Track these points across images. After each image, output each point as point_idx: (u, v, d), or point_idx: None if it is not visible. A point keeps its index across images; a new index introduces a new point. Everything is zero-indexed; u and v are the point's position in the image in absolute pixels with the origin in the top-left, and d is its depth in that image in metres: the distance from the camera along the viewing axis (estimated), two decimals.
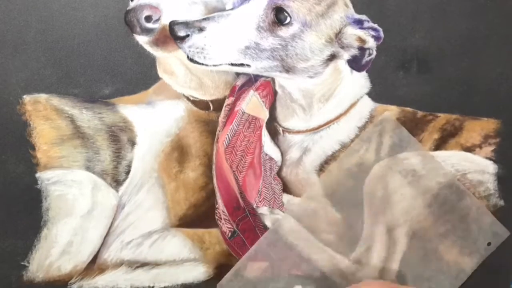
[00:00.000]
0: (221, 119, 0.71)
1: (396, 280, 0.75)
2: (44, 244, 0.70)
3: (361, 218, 0.75)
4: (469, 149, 0.75)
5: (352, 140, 0.74)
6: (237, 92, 0.71)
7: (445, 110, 0.74)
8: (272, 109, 0.73)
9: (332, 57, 0.70)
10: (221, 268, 0.74)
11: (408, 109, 0.74)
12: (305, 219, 0.73)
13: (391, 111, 0.74)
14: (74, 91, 0.68)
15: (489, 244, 0.77)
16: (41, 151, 0.69)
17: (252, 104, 0.71)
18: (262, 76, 0.71)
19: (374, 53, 0.71)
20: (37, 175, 0.69)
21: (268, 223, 0.74)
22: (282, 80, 0.71)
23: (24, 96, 0.67)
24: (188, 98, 0.71)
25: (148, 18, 0.66)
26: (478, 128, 0.75)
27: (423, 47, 0.72)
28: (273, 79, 0.72)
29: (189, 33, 0.65)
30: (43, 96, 0.68)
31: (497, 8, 0.73)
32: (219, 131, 0.71)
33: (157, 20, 0.67)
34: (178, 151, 0.71)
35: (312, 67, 0.70)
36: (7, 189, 0.69)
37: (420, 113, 0.74)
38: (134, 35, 0.67)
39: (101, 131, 0.69)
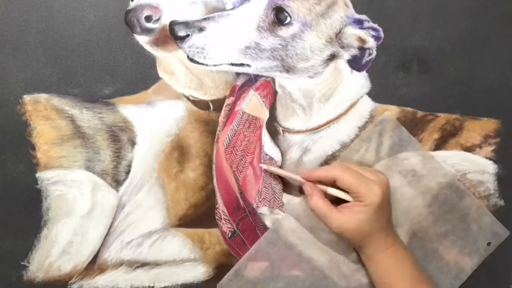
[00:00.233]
0: (221, 119, 0.71)
1: None
2: (44, 244, 0.70)
3: None
4: (469, 149, 0.75)
5: (352, 140, 0.74)
6: (237, 92, 0.71)
7: (445, 110, 0.74)
8: (272, 109, 0.73)
9: (332, 57, 0.70)
10: (221, 268, 0.74)
11: (408, 109, 0.74)
12: (305, 219, 0.73)
13: (391, 111, 0.74)
14: (74, 91, 0.68)
15: (489, 244, 0.77)
16: (41, 151, 0.68)
17: (252, 104, 0.71)
18: (262, 76, 0.71)
19: (374, 53, 0.71)
20: (37, 175, 0.69)
21: (268, 223, 0.74)
22: (282, 80, 0.71)
23: (24, 96, 0.67)
24: (188, 98, 0.71)
25: (148, 18, 0.66)
26: (478, 128, 0.75)
27: (423, 47, 0.72)
28: (273, 79, 0.72)
29: (189, 33, 0.65)
30: (43, 96, 0.68)
31: (497, 8, 0.73)
32: (219, 131, 0.71)
33: (157, 20, 0.67)
34: (178, 151, 0.71)
35: (312, 67, 0.70)
36: (7, 189, 0.69)
37: (420, 113, 0.74)
38: (134, 35, 0.67)
39: (101, 131, 0.69)
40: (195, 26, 0.66)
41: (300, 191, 0.73)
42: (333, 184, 0.68)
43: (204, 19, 0.66)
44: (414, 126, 0.74)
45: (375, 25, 0.70)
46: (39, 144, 0.68)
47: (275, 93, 0.73)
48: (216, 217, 0.73)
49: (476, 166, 0.76)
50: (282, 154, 0.74)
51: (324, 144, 0.74)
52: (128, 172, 0.71)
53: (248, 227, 0.73)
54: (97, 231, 0.71)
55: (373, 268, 0.69)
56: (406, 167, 0.74)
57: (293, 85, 0.71)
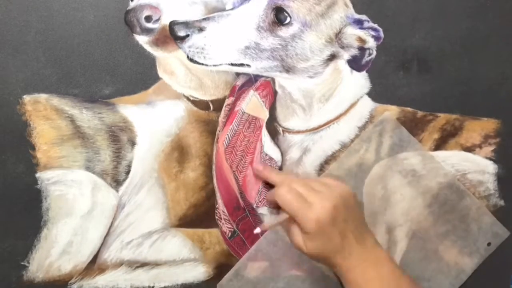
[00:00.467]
0: (221, 119, 0.71)
1: None
2: (44, 244, 0.70)
3: None
4: (469, 149, 0.75)
5: (352, 140, 0.74)
6: (237, 92, 0.71)
7: (445, 110, 0.74)
8: (272, 109, 0.73)
9: (332, 57, 0.70)
10: (221, 268, 0.74)
11: (408, 109, 0.74)
12: None
13: (391, 111, 0.74)
14: (74, 91, 0.68)
15: (489, 244, 0.77)
16: (41, 151, 0.68)
17: (252, 104, 0.71)
18: (262, 76, 0.71)
19: (374, 53, 0.71)
20: (37, 175, 0.69)
21: None
22: (282, 80, 0.71)
23: (24, 96, 0.67)
24: (188, 98, 0.71)
25: (148, 18, 0.66)
26: (478, 128, 0.75)
27: (423, 47, 0.72)
28: (273, 79, 0.72)
29: (189, 33, 0.65)
30: (43, 96, 0.68)
31: (497, 8, 0.73)
32: (219, 131, 0.71)
33: (157, 20, 0.67)
34: (178, 151, 0.71)
35: (312, 67, 0.70)
36: (7, 189, 0.69)
37: (420, 113, 0.74)
38: (134, 35, 0.67)
39: (101, 131, 0.69)
40: (195, 26, 0.66)
41: None
42: None
43: (204, 19, 0.66)
44: (414, 126, 0.74)
45: (375, 25, 0.70)
46: (39, 144, 0.68)
47: (275, 93, 0.73)
48: (216, 217, 0.73)
49: (476, 166, 0.76)
50: (282, 154, 0.74)
51: (324, 144, 0.74)
52: (128, 172, 0.71)
53: (248, 227, 0.73)
54: (97, 231, 0.71)
55: (345, 285, 0.64)
56: (406, 167, 0.74)
57: (293, 85, 0.71)
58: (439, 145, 0.75)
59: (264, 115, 0.72)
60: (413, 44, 0.72)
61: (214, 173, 0.72)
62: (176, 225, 0.73)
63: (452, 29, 0.73)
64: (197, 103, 0.71)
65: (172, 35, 0.66)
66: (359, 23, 0.69)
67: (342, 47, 0.70)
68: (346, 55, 0.70)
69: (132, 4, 0.67)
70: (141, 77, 0.69)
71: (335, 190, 0.63)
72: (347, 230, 0.62)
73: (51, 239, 0.70)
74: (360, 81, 0.73)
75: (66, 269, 0.71)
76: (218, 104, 0.72)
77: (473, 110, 0.75)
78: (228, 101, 0.71)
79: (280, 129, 0.74)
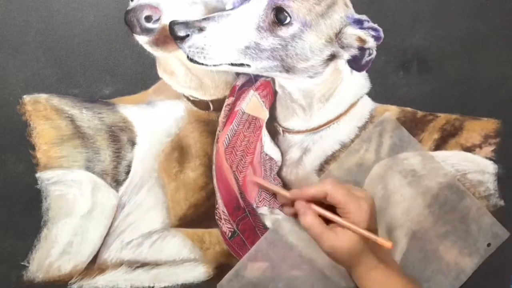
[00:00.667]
0: (221, 119, 0.71)
1: None
2: (44, 244, 0.70)
3: None
4: (469, 149, 0.75)
5: (352, 140, 0.74)
6: (237, 92, 0.71)
7: (445, 110, 0.74)
8: (272, 109, 0.73)
9: (332, 57, 0.70)
10: (221, 268, 0.74)
11: (408, 109, 0.74)
12: None
13: (391, 111, 0.74)
14: (74, 91, 0.68)
15: (489, 245, 0.77)
16: (41, 151, 0.68)
17: (252, 104, 0.71)
18: (262, 76, 0.71)
19: (374, 53, 0.71)
20: (37, 175, 0.69)
21: (268, 223, 0.74)
22: (282, 80, 0.71)
23: (24, 96, 0.67)
24: (188, 98, 0.71)
25: (148, 18, 0.66)
26: (478, 128, 0.75)
27: (423, 47, 0.72)
28: (273, 79, 0.72)
29: (189, 33, 0.65)
30: (43, 96, 0.68)
31: (497, 8, 0.73)
32: (219, 131, 0.71)
33: (157, 20, 0.67)
34: (178, 151, 0.71)
35: (312, 67, 0.70)
36: (7, 189, 0.69)
37: (420, 113, 0.74)
38: (134, 35, 0.67)
39: (101, 131, 0.69)
40: (195, 26, 0.66)
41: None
42: (321, 203, 0.67)
43: (204, 19, 0.66)
44: (414, 126, 0.74)
45: (375, 25, 0.70)
46: (39, 144, 0.68)
47: (275, 93, 0.73)
48: (216, 217, 0.73)
49: (476, 166, 0.76)
50: (282, 154, 0.74)
51: (324, 144, 0.74)
52: (128, 172, 0.71)
53: (248, 227, 0.73)
54: (97, 231, 0.71)
55: (364, 287, 0.67)
56: (406, 167, 0.74)
57: (293, 85, 0.71)
58: (439, 145, 0.75)
59: (264, 115, 0.72)
60: (413, 44, 0.72)
61: (214, 173, 0.72)
62: (176, 225, 0.73)
63: (452, 29, 0.73)
64: (197, 103, 0.71)
65: (172, 35, 0.66)
66: (359, 23, 0.69)
67: (342, 47, 0.70)
68: (346, 55, 0.70)
69: (132, 4, 0.67)
70: (141, 77, 0.69)
71: (370, 194, 0.67)
72: (376, 231, 0.67)
73: (51, 239, 0.70)
74: (360, 81, 0.73)
75: (66, 269, 0.71)
76: (218, 104, 0.72)
77: (473, 110, 0.75)
78: (228, 101, 0.71)
79: (280, 129, 0.74)
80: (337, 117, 0.73)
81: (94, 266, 0.71)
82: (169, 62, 0.69)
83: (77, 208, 0.70)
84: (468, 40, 0.73)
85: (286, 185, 0.74)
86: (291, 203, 0.69)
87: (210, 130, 0.72)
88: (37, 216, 0.69)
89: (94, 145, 0.69)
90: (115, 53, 0.68)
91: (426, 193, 0.75)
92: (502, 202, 0.77)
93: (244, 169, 0.72)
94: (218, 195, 0.72)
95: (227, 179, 0.72)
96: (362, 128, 0.74)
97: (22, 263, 0.70)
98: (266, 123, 0.72)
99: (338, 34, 0.69)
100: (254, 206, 0.73)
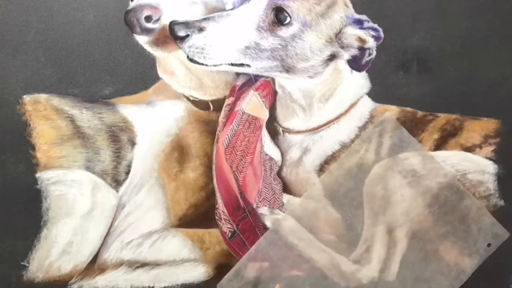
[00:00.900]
0: (221, 119, 0.71)
1: (396, 280, 0.75)
2: (44, 244, 0.70)
3: (361, 218, 0.74)
4: (469, 149, 0.75)
5: (352, 140, 0.74)
6: (237, 92, 0.71)
7: (445, 110, 0.74)
8: (272, 109, 0.73)
9: (332, 57, 0.70)
10: (221, 268, 0.74)
11: (408, 109, 0.74)
12: (305, 219, 0.73)
13: (391, 111, 0.74)
14: (74, 91, 0.68)
15: (489, 245, 0.77)
16: (41, 151, 0.69)
17: (252, 104, 0.71)
18: (262, 76, 0.71)
19: (374, 53, 0.71)
20: (37, 175, 0.69)
21: (268, 223, 0.74)
22: (282, 80, 0.71)
23: (24, 96, 0.67)
24: (188, 98, 0.71)
25: (148, 18, 0.66)
26: (478, 128, 0.75)
27: (423, 47, 0.73)
28: (273, 79, 0.72)
29: (189, 33, 0.65)
30: (43, 96, 0.68)
31: (497, 8, 0.73)
32: (219, 131, 0.71)
33: (157, 20, 0.67)
34: (178, 151, 0.71)
35: (312, 67, 0.70)
36: (7, 189, 0.69)
37: (420, 113, 0.74)
38: (134, 35, 0.67)
39: (101, 131, 0.69)
40: (195, 26, 0.66)
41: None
42: None
43: (204, 19, 0.66)
44: (414, 126, 0.74)
45: (375, 25, 0.70)
46: (39, 144, 0.68)
47: (275, 93, 0.73)
48: (216, 217, 0.73)
49: (476, 166, 0.76)
50: (282, 154, 0.74)
51: (324, 144, 0.74)
52: (128, 172, 0.71)
53: (248, 227, 0.73)
54: (97, 231, 0.71)
55: None
56: (406, 167, 0.74)
57: (293, 85, 0.71)
58: (439, 145, 0.75)
59: (264, 115, 0.72)
60: (413, 44, 0.72)
61: (214, 173, 0.72)
62: (176, 225, 0.73)
63: (452, 29, 0.73)
64: (197, 103, 0.71)
65: (172, 35, 0.66)
66: (359, 23, 0.69)
67: (342, 47, 0.70)
68: (346, 55, 0.70)
69: (132, 4, 0.67)
70: (141, 77, 0.69)
71: None
72: None
73: (51, 239, 0.70)
74: (360, 81, 0.73)
75: (66, 269, 0.71)
76: (218, 104, 0.72)
77: (473, 110, 0.75)
78: (228, 101, 0.71)
79: (280, 129, 0.74)
80: (337, 117, 0.73)
81: (94, 266, 0.71)
82: (169, 62, 0.69)
83: (77, 208, 0.70)
84: (468, 40, 0.73)
85: (286, 185, 0.74)
86: None
87: (210, 130, 0.72)
88: (37, 216, 0.69)
89: (94, 145, 0.69)
90: (115, 53, 0.68)
91: (426, 193, 0.75)
92: (502, 202, 0.77)
93: (244, 169, 0.72)
94: (218, 195, 0.72)
95: (227, 179, 0.72)
96: (362, 128, 0.74)
97: (22, 263, 0.70)
98: (266, 123, 0.72)
99: (338, 34, 0.69)
100: (254, 206, 0.73)
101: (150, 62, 0.69)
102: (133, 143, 0.70)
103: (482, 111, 0.75)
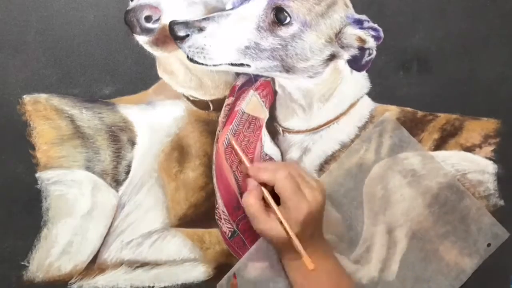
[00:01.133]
0: (221, 119, 0.71)
1: (396, 280, 0.75)
2: (44, 244, 0.70)
3: (361, 218, 0.75)
4: (469, 149, 0.75)
5: (352, 140, 0.74)
6: (237, 92, 0.71)
7: (445, 110, 0.74)
8: (272, 109, 0.73)
9: (332, 57, 0.70)
10: (221, 268, 0.74)
11: (408, 109, 0.74)
12: None
13: (391, 111, 0.74)
14: (74, 91, 0.68)
15: (489, 245, 0.77)
16: (41, 151, 0.68)
17: (252, 104, 0.71)
18: (262, 76, 0.71)
19: (374, 53, 0.71)
20: (37, 175, 0.69)
21: None
22: (282, 80, 0.71)
23: (24, 96, 0.67)
24: (188, 98, 0.71)
25: (148, 18, 0.66)
26: (478, 128, 0.75)
27: (423, 47, 0.73)
28: (273, 79, 0.72)
29: (189, 33, 0.65)
30: (43, 96, 0.68)
31: (497, 8, 0.73)
32: (219, 131, 0.71)
33: (157, 20, 0.67)
34: (178, 151, 0.71)
35: (312, 67, 0.70)
36: (7, 189, 0.69)
37: (420, 113, 0.74)
38: (134, 35, 0.67)
39: (101, 131, 0.69)
40: (195, 26, 0.66)
41: None
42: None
43: (204, 19, 0.66)
44: (414, 126, 0.74)
45: (375, 25, 0.70)
46: (39, 144, 0.68)
47: (275, 93, 0.73)
48: (216, 217, 0.73)
49: (476, 166, 0.76)
50: (282, 154, 0.74)
51: (324, 144, 0.74)
52: (128, 172, 0.71)
53: (248, 227, 0.72)
54: (97, 231, 0.71)
55: (289, 273, 0.69)
56: (406, 167, 0.74)
57: (293, 85, 0.71)
58: (439, 145, 0.75)
59: (264, 115, 0.72)
60: (413, 44, 0.72)
61: (214, 173, 0.72)
62: (176, 225, 0.73)
63: (452, 29, 0.73)
64: (197, 103, 0.71)
65: (172, 35, 0.66)
66: (359, 23, 0.69)
67: (342, 47, 0.70)
68: (346, 55, 0.70)
69: (132, 4, 0.67)
70: (141, 77, 0.69)
71: (321, 194, 0.66)
72: (315, 229, 0.67)
73: (51, 239, 0.70)
74: (360, 81, 0.73)
75: (66, 269, 0.71)
76: (218, 104, 0.72)
77: (473, 110, 0.75)
78: (228, 101, 0.71)
79: (280, 129, 0.74)
80: (337, 117, 0.73)
81: (94, 266, 0.71)
82: (169, 62, 0.69)
83: (77, 208, 0.70)
84: (468, 40, 0.73)
85: None
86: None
87: (210, 130, 0.72)
88: (37, 216, 0.69)
89: (94, 145, 0.69)
90: (115, 53, 0.68)
91: (426, 193, 0.75)
92: (502, 202, 0.77)
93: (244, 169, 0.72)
94: (218, 195, 0.72)
95: (227, 179, 0.72)
96: (362, 128, 0.74)
97: (22, 263, 0.70)
98: (266, 123, 0.72)
99: (338, 34, 0.69)
100: None
101: (150, 62, 0.69)
102: (133, 143, 0.70)
103: (482, 111, 0.75)
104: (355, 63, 0.71)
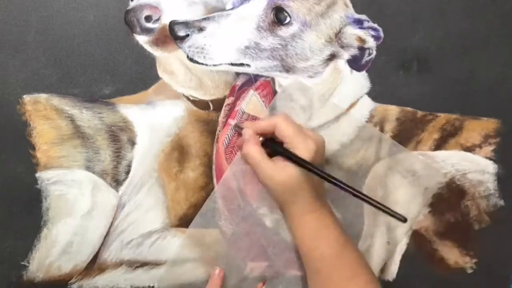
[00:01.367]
0: (221, 118, 0.71)
1: (396, 281, 0.75)
2: (44, 244, 0.70)
3: (361, 218, 0.74)
4: (469, 149, 0.75)
5: (352, 140, 0.74)
6: (237, 91, 0.71)
7: (445, 110, 0.74)
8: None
9: (332, 56, 0.70)
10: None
11: (408, 109, 0.74)
12: None
13: (391, 111, 0.74)
14: (74, 91, 0.68)
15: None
16: (41, 151, 0.68)
17: (252, 103, 0.71)
18: (262, 76, 0.71)
19: (374, 53, 0.71)
20: (37, 175, 0.69)
21: (268, 223, 0.73)
22: (282, 80, 0.71)
23: (24, 96, 0.67)
24: (188, 98, 0.71)
25: (148, 18, 0.66)
26: (478, 128, 0.75)
27: (423, 47, 0.73)
28: (273, 79, 0.72)
29: (189, 33, 0.65)
30: (43, 96, 0.68)
31: (497, 8, 0.73)
32: (219, 131, 0.71)
33: (157, 20, 0.67)
34: (178, 151, 0.71)
35: (312, 67, 0.70)
36: (7, 189, 0.69)
37: (420, 113, 0.74)
38: (134, 35, 0.67)
39: (101, 131, 0.69)
40: (195, 26, 0.66)
41: None
42: (273, 137, 0.65)
43: (204, 19, 0.66)
44: (414, 126, 0.74)
45: (375, 25, 0.70)
46: (39, 144, 0.68)
47: (275, 93, 0.73)
48: (216, 217, 0.73)
49: (476, 166, 0.76)
50: None
51: None
52: (128, 172, 0.71)
53: (248, 227, 0.72)
54: (97, 231, 0.71)
55: (295, 228, 0.65)
56: (406, 167, 0.74)
57: (293, 85, 0.71)
58: (439, 145, 0.75)
59: (264, 114, 0.72)
60: (413, 44, 0.72)
61: (214, 173, 0.72)
62: (176, 225, 0.73)
63: (452, 29, 0.73)
64: (197, 103, 0.71)
65: (172, 35, 0.66)
66: (359, 23, 0.69)
67: (342, 47, 0.70)
68: (346, 55, 0.70)
69: (132, 4, 0.67)
70: (141, 77, 0.69)
71: (322, 138, 0.65)
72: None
73: (51, 239, 0.70)
74: (360, 81, 0.73)
75: (66, 269, 0.71)
76: (218, 104, 0.72)
77: (473, 110, 0.75)
78: (228, 100, 0.71)
79: None
80: (337, 117, 0.73)
81: (94, 266, 0.71)
82: (169, 62, 0.69)
83: (77, 208, 0.70)
84: (468, 40, 0.73)
85: None
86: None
87: (210, 130, 0.72)
88: (37, 216, 0.69)
89: (94, 145, 0.69)
90: (115, 53, 0.68)
91: (426, 193, 0.75)
92: (502, 202, 0.77)
93: None
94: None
95: None
96: (362, 128, 0.74)
97: (22, 263, 0.70)
98: None
99: (338, 34, 0.69)
100: (254, 206, 0.73)
101: (150, 62, 0.69)
102: (133, 143, 0.70)
103: (482, 111, 0.75)
104: (355, 63, 0.71)
